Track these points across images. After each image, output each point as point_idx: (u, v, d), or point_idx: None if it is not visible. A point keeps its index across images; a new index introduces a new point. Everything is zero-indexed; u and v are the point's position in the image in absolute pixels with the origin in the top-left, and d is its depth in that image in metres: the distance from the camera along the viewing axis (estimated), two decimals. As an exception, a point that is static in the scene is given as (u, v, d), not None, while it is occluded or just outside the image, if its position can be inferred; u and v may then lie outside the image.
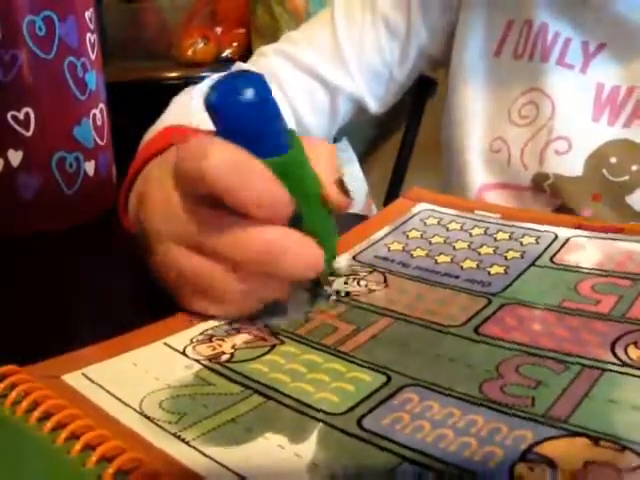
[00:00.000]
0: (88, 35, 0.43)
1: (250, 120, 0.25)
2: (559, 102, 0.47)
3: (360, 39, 0.56)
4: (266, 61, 0.58)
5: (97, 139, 0.44)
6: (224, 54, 1.20)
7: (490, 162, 0.51)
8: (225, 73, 0.27)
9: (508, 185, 0.50)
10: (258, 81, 0.25)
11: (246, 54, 1.17)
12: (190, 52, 1.16)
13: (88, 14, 0.43)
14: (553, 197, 0.47)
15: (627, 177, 0.45)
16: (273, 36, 1.14)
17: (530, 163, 0.48)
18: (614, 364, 0.22)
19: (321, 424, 0.20)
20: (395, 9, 0.55)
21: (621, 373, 0.22)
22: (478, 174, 0.52)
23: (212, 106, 0.25)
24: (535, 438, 0.19)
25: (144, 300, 0.32)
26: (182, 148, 0.26)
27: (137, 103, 1.03)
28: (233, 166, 0.24)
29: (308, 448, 0.19)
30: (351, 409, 0.21)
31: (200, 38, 1.17)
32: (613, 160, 0.46)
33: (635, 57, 0.46)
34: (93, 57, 0.44)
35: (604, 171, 0.46)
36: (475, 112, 0.52)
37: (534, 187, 0.48)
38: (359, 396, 0.22)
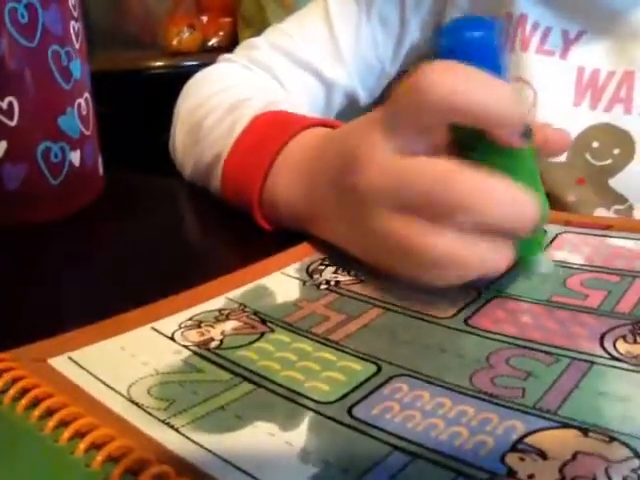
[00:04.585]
0: (72, 23, 0.43)
1: (482, 55, 0.26)
2: (540, 90, 0.48)
3: (357, 34, 0.56)
4: (261, 55, 0.57)
5: (82, 129, 0.44)
6: (210, 43, 1.19)
7: None
8: (452, 19, 0.29)
9: None
10: (484, 21, 0.26)
11: (232, 43, 1.16)
12: (176, 41, 1.15)
13: (72, 2, 0.43)
14: None
15: (609, 160, 0.46)
16: (260, 25, 1.13)
17: None
18: (603, 357, 0.22)
19: (311, 412, 0.20)
20: (389, 5, 0.56)
21: (610, 366, 0.22)
22: None
23: (442, 48, 0.26)
24: (525, 429, 0.19)
25: (129, 287, 0.31)
26: (400, 85, 0.26)
27: (122, 92, 1.02)
28: (456, 73, 0.24)
29: (299, 436, 0.19)
30: (341, 398, 0.21)
31: (186, 27, 1.16)
32: (595, 144, 0.46)
33: (615, 41, 0.46)
34: (77, 46, 0.43)
35: (587, 155, 0.46)
36: None
37: None
38: (350, 385, 0.22)
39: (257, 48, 0.58)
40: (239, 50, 0.60)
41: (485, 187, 0.24)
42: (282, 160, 0.36)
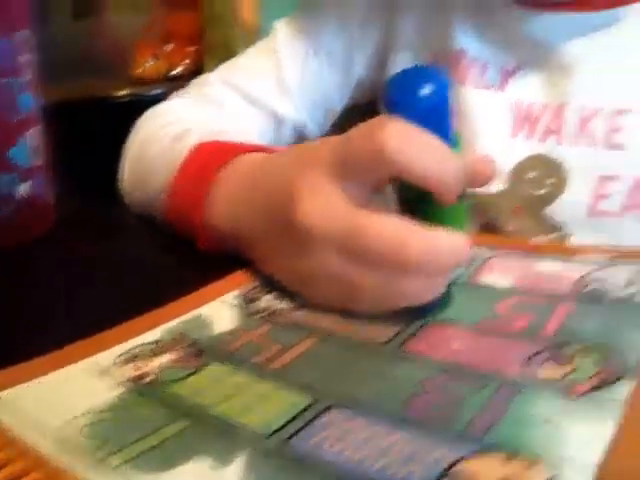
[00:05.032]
0: (23, 56, 0.43)
1: (429, 115, 0.26)
2: (479, 121, 0.49)
3: (303, 68, 0.57)
4: (212, 91, 0.57)
5: (33, 160, 0.43)
6: (175, 72, 1.20)
7: None
8: (402, 70, 0.28)
9: None
10: (435, 75, 0.27)
11: (197, 71, 1.17)
12: (140, 70, 1.15)
13: (24, 34, 0.43)
14: (479, 215, 0.49)
15: (544, 190, 0.47)
16: (225, 54, 1.14)
17: None
18: (528, 382, 0.23)
19: (248, 446, 0.20)
20: (336, 41, 0.57)
21: (534, 390, 0.22)
22: None
23: (392, 103, 0.27)
24: (454, 456, 0.19)
25: (75, 320, 0.31)
26: (354, 132, 0.27)
27: (85, 121, 1.02)
28: (411, 138, 0.26)
29: (235, 472, 0.19)
30: (278, 430, 0.21)
31: (150, 56, 1.17)
32: (532, 174, 0.48)
33: (548, 75, 0.48)
34: (29, 78, 0.43)
35: (524, 185, 0.48)
36: None
37: None
38: (286, 417, 0.22)
39: (209, 84, 0.58)
40: (192, 86, 0.60)
41: (437, 248, 0.26)
42: (218, 187, 0.37)
